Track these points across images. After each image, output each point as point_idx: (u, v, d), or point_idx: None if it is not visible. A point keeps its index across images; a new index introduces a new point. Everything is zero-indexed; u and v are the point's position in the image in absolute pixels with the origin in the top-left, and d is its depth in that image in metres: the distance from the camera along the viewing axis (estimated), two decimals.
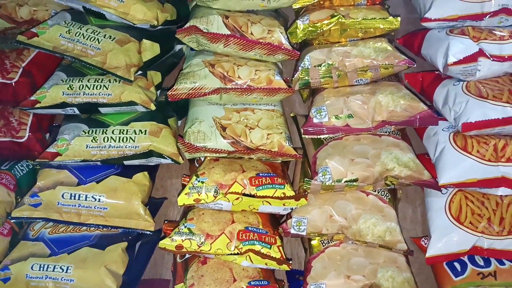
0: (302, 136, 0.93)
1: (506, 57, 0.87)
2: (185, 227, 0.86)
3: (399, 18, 0.92)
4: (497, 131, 0.88)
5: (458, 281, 0.87)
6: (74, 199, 0.90)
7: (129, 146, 0.91)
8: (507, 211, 0.88)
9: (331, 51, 0.92)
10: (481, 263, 0.89)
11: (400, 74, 1.02)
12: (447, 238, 0.87)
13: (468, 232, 0.86)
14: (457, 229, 0.87)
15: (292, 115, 1.08)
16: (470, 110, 0.86)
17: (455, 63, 0.88)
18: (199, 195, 0.85)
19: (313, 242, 0.92)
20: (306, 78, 0.93)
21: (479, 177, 0.86)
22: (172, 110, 1.02)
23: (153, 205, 1.00)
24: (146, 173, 0.95)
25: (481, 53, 0.87)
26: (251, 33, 0.90)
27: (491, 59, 0.87)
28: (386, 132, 0.93)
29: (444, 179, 0.87)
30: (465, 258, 0.90)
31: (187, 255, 0.91)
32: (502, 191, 0.88)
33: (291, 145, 0.90)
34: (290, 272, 1.00)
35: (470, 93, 0.89)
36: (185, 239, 0.85)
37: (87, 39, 0.92)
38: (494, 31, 0.90)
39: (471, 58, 0.87)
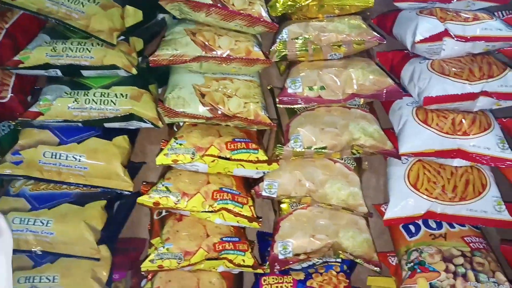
0: (277, 105, 0.97)
1: (469, 37, 0.91)
2: (163, 185, 0.90)
3: None
4: (455, 106, 0.94)
5: (412, 241, 0.95)
6: (55, 158, 0.92)
7: (110, 109, 0.94)
8: (460, 180, 0.94)
9: (308, 26, 0.96)
10: (434, 226, 0.96)
11: (371, 52, 1.07)
12: (404, 202, 0.94)
13: (424, 197, 0.93)
14: (413, 194, 0.93)
15: (269, 87, 1.12)
16: (432, 86, 0.92)
17: (421, 41, 0.92)
18: (177, 156, 0.89)
19: (283, 206, 0.98)
20: (283, 50, 0.96)
21: (436, 148, 0.92)
22: (153, 78, 1.04)
23: (132, 168, 1.03)
24: (126, 136, 0.98)
25: (446, 33, 0.91)
26: (232, 4, 0.92)
27: (455, 39, 0.91)
28: (355, 105, 0.99)
29: (404, 148, 0.94)
30: (420, 222, 0.97)
31: (164, 213, 0.95)
32: (457, 162, 0.95)
33: (267, 114, 0.95)
34: (260, 234, 1.06)
35: (434, 70, 0.94)
36: (162, 197, 0.89)
37: (71, 3, 0.93)
38: (460, 13, 0.95)
39: (437, 37, 0.92)
